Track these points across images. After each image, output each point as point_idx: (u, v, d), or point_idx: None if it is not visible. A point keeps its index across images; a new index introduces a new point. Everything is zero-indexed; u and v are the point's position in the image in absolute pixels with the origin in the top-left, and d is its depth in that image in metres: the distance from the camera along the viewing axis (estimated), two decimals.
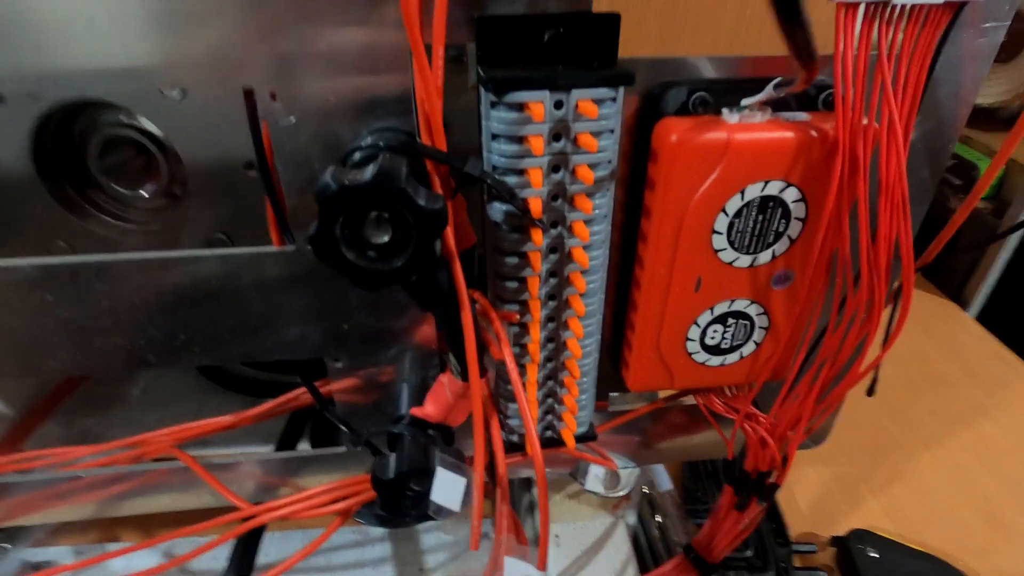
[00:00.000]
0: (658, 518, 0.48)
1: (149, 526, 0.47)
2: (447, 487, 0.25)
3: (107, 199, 0.37)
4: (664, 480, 0.50)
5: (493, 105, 0.21)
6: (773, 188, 0.24)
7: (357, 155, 0.21)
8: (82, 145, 0.35)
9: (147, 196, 0.37)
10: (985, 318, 0.71)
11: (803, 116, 0.24)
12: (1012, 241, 0.69)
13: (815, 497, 0.53)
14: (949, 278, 0.74)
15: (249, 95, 0.23)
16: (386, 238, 0.19)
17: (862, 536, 0.46)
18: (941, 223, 0.27)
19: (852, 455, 0.58)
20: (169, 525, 0.46)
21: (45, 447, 0.51)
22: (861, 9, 0.20)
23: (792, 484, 0.54)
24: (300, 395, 0.36)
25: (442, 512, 0.25)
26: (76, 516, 0.38)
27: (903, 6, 0.20)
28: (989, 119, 0.73)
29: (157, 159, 0.36)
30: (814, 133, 0.23)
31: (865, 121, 0.22)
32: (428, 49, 0.20)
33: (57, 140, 0.34)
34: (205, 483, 0.35)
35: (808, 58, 0.15)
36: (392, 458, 0.26)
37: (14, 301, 0.27)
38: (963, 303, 0.73)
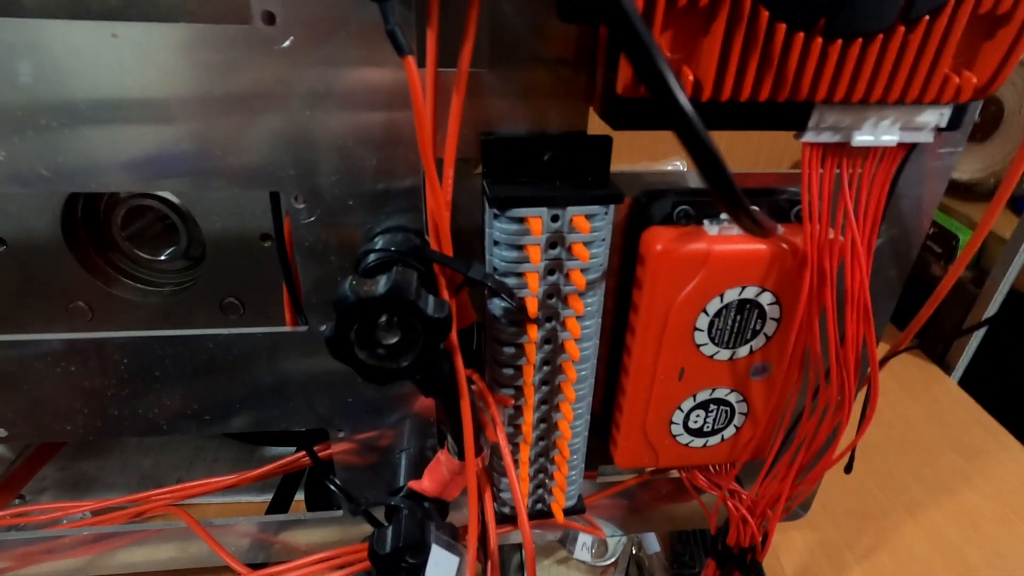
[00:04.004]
0: None
1: None
2: (441, 565, 0.26)
3: (128, 262, 0.39)
4: (652, 543, 0.51)
5: (496, 217, 0.23)
6: (750, 292, 0.26)
7: (371, 258, 0.23)
8: (107, 214, 0.38)
9: (166, 259, 0.40)
10: (967, 383, 0.73)
11: (777, 229, 0.26)
12: (991, 309, 0.72)
13: (800, 563, 0.54)
14: (934, 345, 0.76)
15: (275, 196, 0.26)
16: (395, 339, 0.21)
17: None
18: (924, 285, 0.28)
19: (837, 519, 0.59)
20: None
21: (42, 491, 0.52)
22: (823, 147, 0.22)
23: (778, 549, 0.55)
24: (300, 458, 0.38)
25: None
26: (70, 570, 0.39)
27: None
28: (968, 192, 0.76)
29: (176, 226, 0.38)
30: (786, 245, 0.25)
31: (832, 235, 0.24)
32: (438, 163, 0.23)
33: (85, 210, 0.37)
34: (201, 540, 0.36)
35: (758, 231, 0.17)
36: (389, 531, 0.28)
37: (39, 371, 0.28)
38: (946, 368, 0.75)
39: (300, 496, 0.49)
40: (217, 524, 0.36)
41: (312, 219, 0.26)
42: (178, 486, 0.38)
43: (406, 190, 0.26)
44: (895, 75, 0.20)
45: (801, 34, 0.18)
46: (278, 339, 0.29)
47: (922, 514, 0.59)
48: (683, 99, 0.13)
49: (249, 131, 0.24)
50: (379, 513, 0.31)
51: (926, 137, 0.22)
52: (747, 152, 0.74)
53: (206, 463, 0.55)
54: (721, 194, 0.15)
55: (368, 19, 0.22)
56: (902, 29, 0.19)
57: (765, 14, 0.18)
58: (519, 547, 0.46)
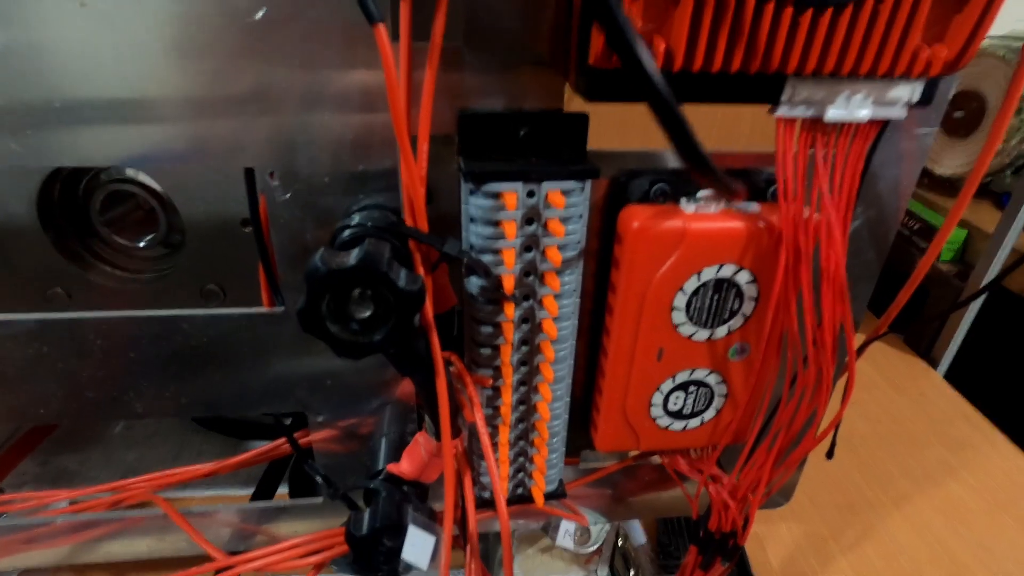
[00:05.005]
0: (632, 572, 0.49)
1: (122, 570, 0.46)
2: (417, 545, 0.26)
3: (107, 249, 0.39)
4: (638, 534, 0.51)
5: (472, 192, 0.23)
6: (727, 271, 0.26)
7: (346, 233, 0.23)
8: (86, 198, 0.37)
9: (145, 246, 0.39)
10: (952, 377, 0.74)
11: (754, 207, 0.26)
12: (976, 304, 0.72)
13: (786, 554, 0.54)
14: (919, 337, 0.77)
15: (249, 172, 0.25)
16: (368, 313, 0.21)
17: None
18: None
19: (824, 512, 0.59)
20: (142, 570, 0.46)
21: (22, 485, 0.51)
22: (798, 124, 0.22)
23: (764, 540, 0.55)
24: (280, 445, 0.37)
25: (411, 570, 0.26)
26: (49, 561, 0.38)
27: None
28: (952, 187, 0.77)
29: (156, 212, 0.38)
30: (762, 224, 0.25)
31: (807, 213, 0.24)
32: (413, 140, 0.23)
33: (63, 194, 0.36)
34: (181, 530, 0.36)
35: (728, 192, 0.17)
36: (366, 514, 0.27)
37: (12, 352, 0.28)
38: (932, 362, 0.76)
39: (283, 491, 0.49)
40: (197, 512, 0.36)
41: (287, 197, 0.26)
42: (158, 473, 0.37)
43: (383, 170, 0.26)
44: (866, 46, 0.20)
45: (771, 4, 0.18)
46: (255, 320, 0.28)
47: (908, 506, 0.59)
48: (648, 61, 0.13)
49: (223, 106, 0.23)
50: (358, 498, 0.31)
51: (899, 113, 0.22)
52: (738, 142, 0.75)
53: (191, 457, 0.54)
54: (683, 150, 0.15)
55: None
56: (872, 0, 0.19)
57: None
58: None
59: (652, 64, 0.14)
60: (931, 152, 0.76)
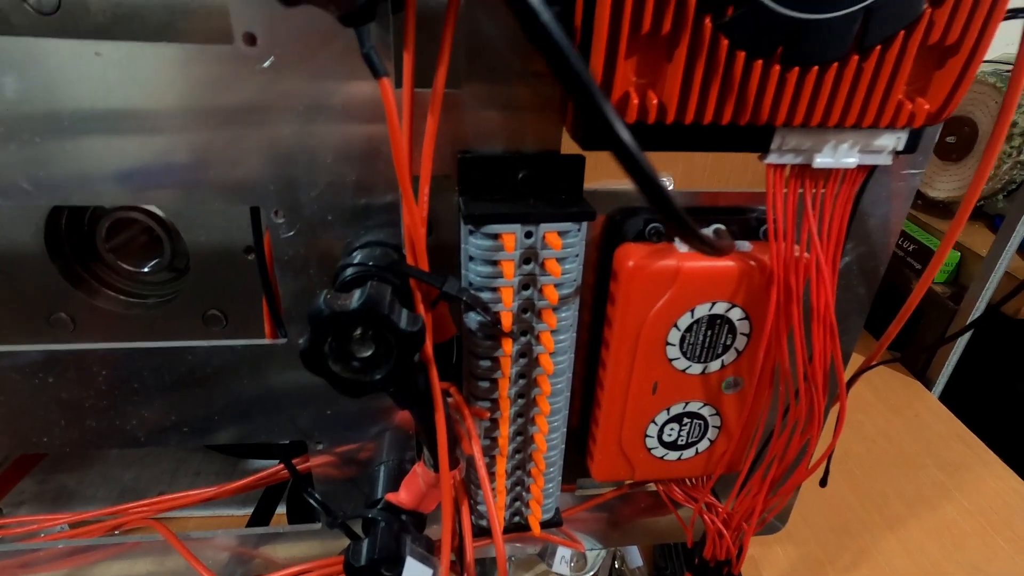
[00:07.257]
0: None
1: None
2: None
3: (111, 274, 0.40)
4: (635, 557, 0.51)
5: (471, 233, 0.24)
6: (720, 308, 0.27)
7: (348, 272, 0.24)
8: (92, 225, 0.38)
9: (149, 271, 0.40)
10: (947, 398, 0.74)
11: (746, 246, 0.27)
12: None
13: None
14: (915, 359, 0.78)
15: (255, 210, 0.26)
16: (369, 352, 0.22)
17: None
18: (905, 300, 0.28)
19: (819, 534, 0.59)
20: None
21: (20, 504, 0.51)
22: (788, 168, 0.23)
23: (760, 563, 0.55)
24: (280, 470, 0.38)
25: None
26: None
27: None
28: (946, 210, 0.78)
29: (161, 238, 0.39)
30: (753, 263, 0.26)
31: (797, 252, 0.25)
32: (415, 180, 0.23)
33: (69, 222, 0.37)
34: (180, 555, 0.36)
35: (712, 252, 0.18)
36: (365, 544, 0.28)
37: (17, 382, 0.28)
38: (928, 383, 0.76)
39: (282, 510, 0.49)
40: (195, 537, 0.36)
41: (291, 234, 0.26)
42: (157, 499, 0.38)
43: (384, 206, 0.26)
44: (851, 101, 0.20)
45: (760, 62, 0.19)
46: (258, 351, 0.29)
47: (902, 529, 0.59)
48: (623, 131, 0.14)
49: (230, 148, 0.24)
50: (357, 526, 0.31)
51: (885, 160, 0.23)
52: (732, 170, 0.75)
53: (188, 476, 0.55)
54: (669, 219, 0.15)
55: (346, 40, 0.23)
56: (856, 58, 0.20)
57: (725, 42, 0.19)
58: None
59: (633, 143, 0.14)
60: (924, 176, 0.78)
